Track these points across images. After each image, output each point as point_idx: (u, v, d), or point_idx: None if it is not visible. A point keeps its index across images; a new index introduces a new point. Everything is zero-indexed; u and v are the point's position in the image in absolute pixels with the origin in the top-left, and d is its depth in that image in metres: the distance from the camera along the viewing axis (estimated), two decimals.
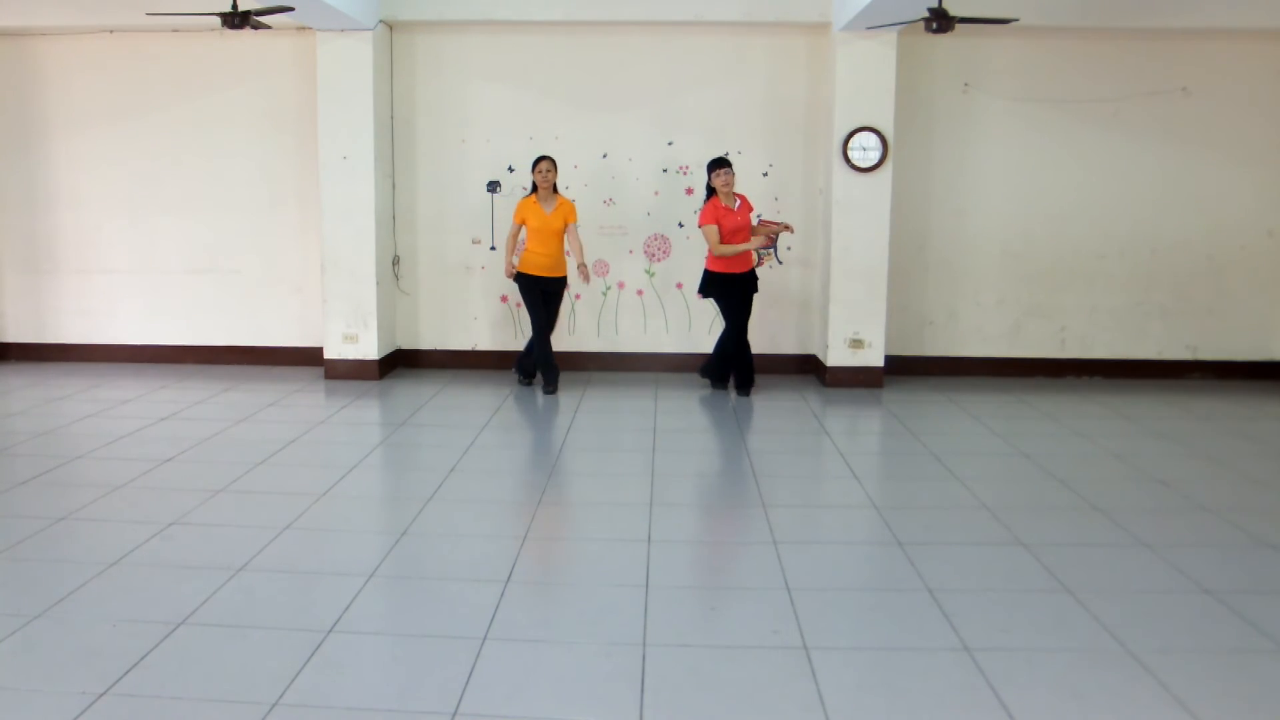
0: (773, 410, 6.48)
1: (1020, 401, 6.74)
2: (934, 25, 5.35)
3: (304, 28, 7.14)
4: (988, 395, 6.91)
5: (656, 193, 7.44)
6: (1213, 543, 4.03)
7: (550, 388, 6.84)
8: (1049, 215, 7.46)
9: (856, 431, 6.20)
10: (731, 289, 6.69)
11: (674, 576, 3.63)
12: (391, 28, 7.36)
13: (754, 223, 6.72)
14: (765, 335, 7.62)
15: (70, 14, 7.16)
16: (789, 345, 7.66)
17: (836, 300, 7.10)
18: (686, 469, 5.12)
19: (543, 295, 6.76)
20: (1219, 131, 7.36)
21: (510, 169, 7.47)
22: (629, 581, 3.57)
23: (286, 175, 7.56)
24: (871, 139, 6.93)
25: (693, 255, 7.48)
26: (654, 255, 7.49)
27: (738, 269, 6.66)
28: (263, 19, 5.85)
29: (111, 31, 7.49)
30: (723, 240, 6.54)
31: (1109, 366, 7.60)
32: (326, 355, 7.30)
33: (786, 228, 6.62)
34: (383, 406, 6.52)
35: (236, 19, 5.57)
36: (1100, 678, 2.87)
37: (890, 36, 6.82)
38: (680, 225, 7.47)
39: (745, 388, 6.85)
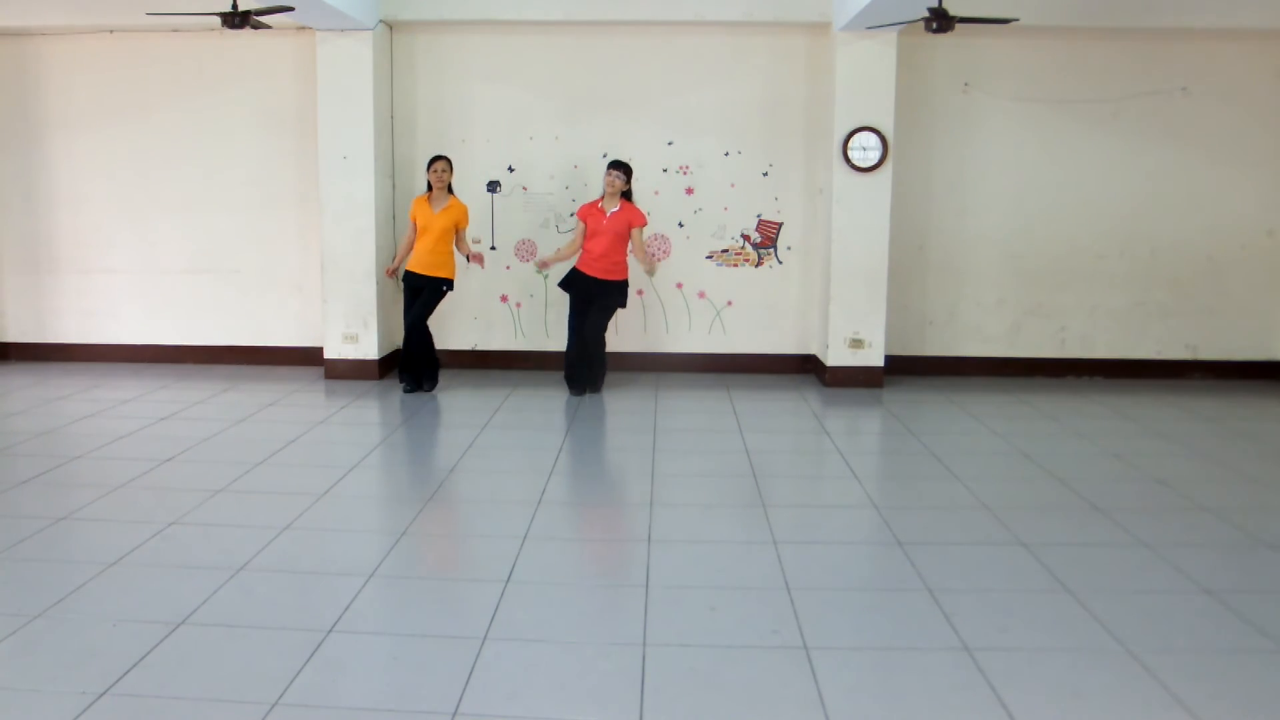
0: (773, 410, 6.48)
1: (1020, 401, 6.74)
2: (934, 25, 5.35)
3: (304, 28, 7.14)
4: (988, 395, 6.91)
5: (656, 192, 7.43)
6: (1213, 543, 4.03)
7: (430, 384, 6.86)
8: (1049, 215, 7.46)
9: (856, 431, 6.20)
10: (572, 285, 6.73)
11: (674, 576, 3.63)
12: (391, 28, 7.35)
13: (641, 240, 6.69)
14: (765, 335, 7.63)
15: (70, 14, 7.16)
16: (789, 345, 7.66)
17: (836, 300, 7.10)
18: (686, 469, 5.12)
19: (414, 292, 6.73)
20: (1219, 131, 7.36)
21: (510, 169, 7.47)
22: (629, 581, 3.57)
23: (286, 175, 7.56)
24: (871, 139, 6.93)
25: (693, 255, 7.50)
26: (654, 255, 7.48)
27: (590, 270, 6.65)
28: (263, 19, 5.85)
29: (111, 31, 7.49)
30: (584, 240, 6.67)
31: (1109, 366, 7.60)
32: (326, 355, 7.30)
33: (648, 271, 6.76)
34: (383, 406, 6.52)
35: (236, 19, 5.57)
36: (1100, 678, 2.87)
37: (890, 36, 6.82)
38: (680, 225, 7.47)
39: (581, 385, 6.82)
